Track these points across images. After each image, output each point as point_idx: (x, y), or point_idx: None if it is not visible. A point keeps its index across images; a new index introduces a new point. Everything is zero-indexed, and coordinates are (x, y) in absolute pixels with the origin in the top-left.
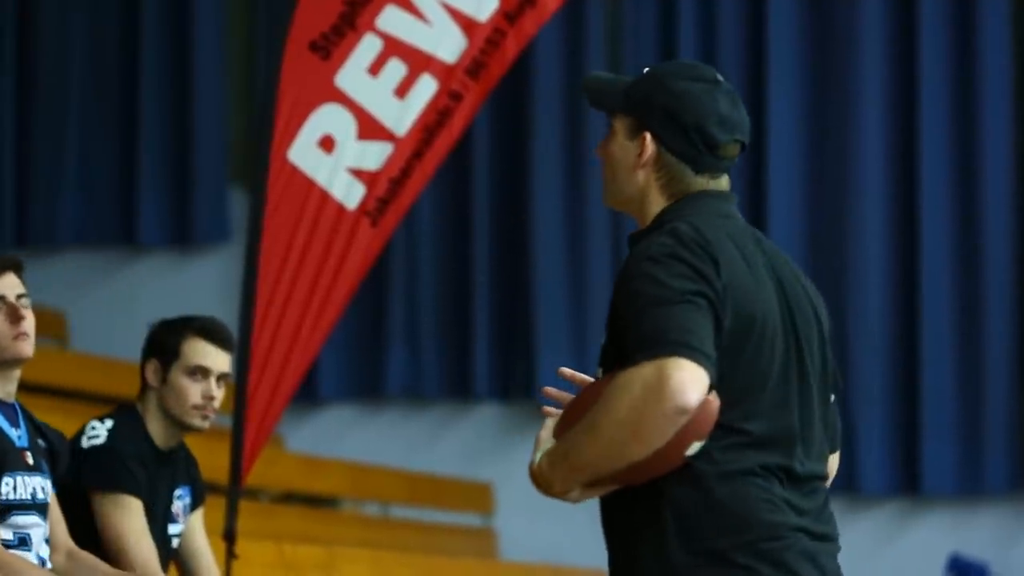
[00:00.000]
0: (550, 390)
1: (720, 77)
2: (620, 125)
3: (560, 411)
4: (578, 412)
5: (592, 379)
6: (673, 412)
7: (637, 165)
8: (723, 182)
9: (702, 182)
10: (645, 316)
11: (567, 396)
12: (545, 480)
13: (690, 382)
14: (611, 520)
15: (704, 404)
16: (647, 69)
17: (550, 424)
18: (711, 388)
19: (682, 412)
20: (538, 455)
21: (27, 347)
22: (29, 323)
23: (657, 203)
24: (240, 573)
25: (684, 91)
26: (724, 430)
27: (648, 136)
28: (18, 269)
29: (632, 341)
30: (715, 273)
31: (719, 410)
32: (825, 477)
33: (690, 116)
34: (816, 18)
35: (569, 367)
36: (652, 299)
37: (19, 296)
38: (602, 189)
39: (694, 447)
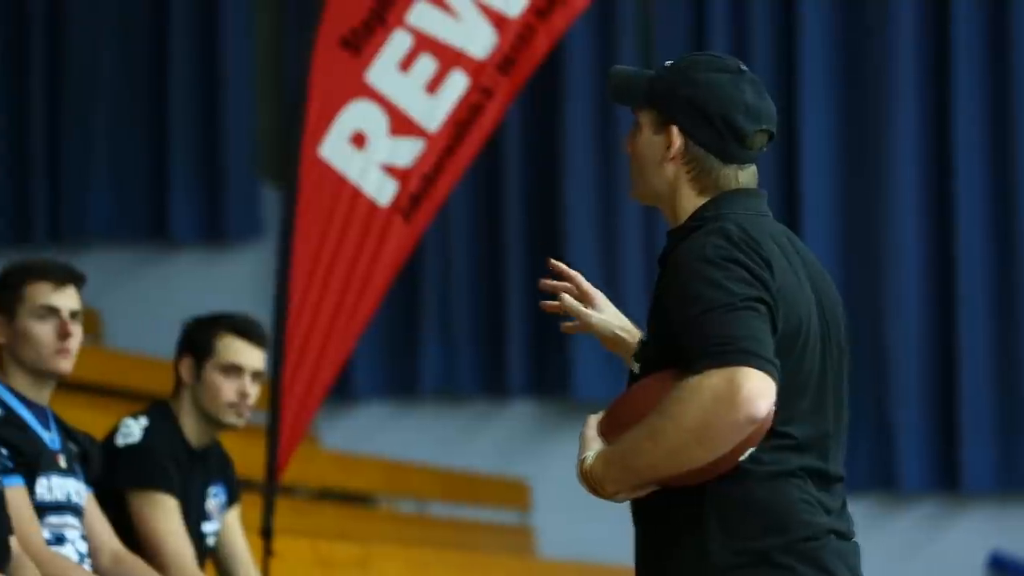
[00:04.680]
0: (548, 281)
1: (744, 67)
2: (645, 119)
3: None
4: (629, 412)
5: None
6: (744, 422)
7: (665, 159)
8: (751, 173)
9: (731, 173)
10: (707, 322)
11: (564, 286)
12: (597, 480)
13: (761, 393)
14: (648, 519)
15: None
16: (670, 62)
17: (593, 422)
18: None
19: (752, 422)
20: (589, 455)
21: (67, 364)
22: (75, 341)
23: (688, 197)
24: (276, 570)
25: (709, 82)
26: (770, 433)
27: (675, 129)
28: (79, 284)
29: (695, 345)
30: (770, 277)
31: None
32: (844, 477)
33: (716, 107)
34: (848, 13)
35: (602, 362)
36: (713, 304)
37: (72, 313)
38: (630, 184)
39: (747, 453)
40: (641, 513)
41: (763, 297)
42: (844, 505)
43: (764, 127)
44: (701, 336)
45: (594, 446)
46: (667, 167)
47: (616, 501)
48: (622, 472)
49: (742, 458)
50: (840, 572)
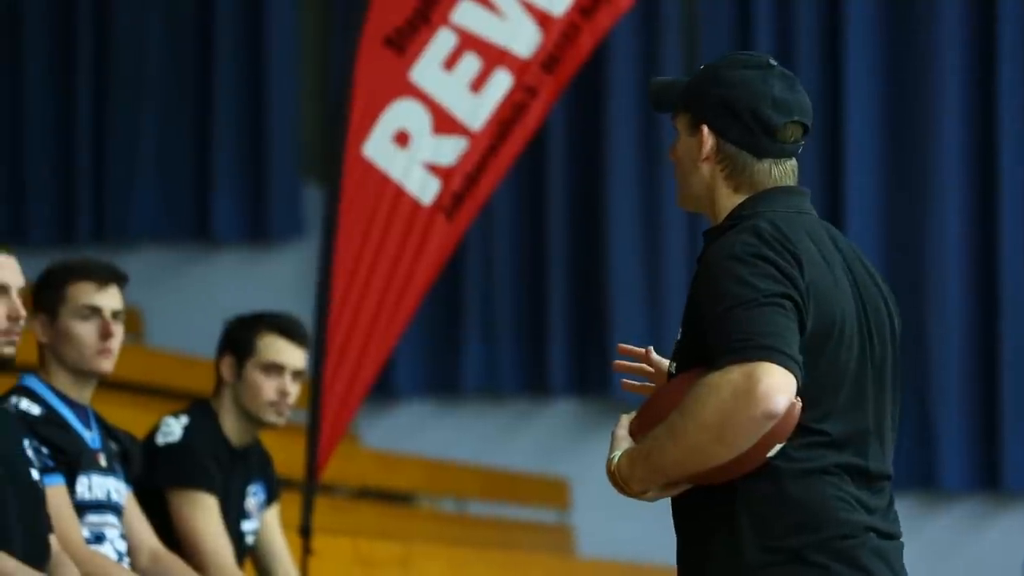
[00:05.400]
0: (622, 363)
1: (774, 62)
2: (681, 123)
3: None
4: (657, 411)
5: (659, 359)
6: (762, 417)
7: (699, 159)
8: (789, 169)
9: (765, 168)
10: (732, 317)
11: (639, 368)
12: (623, 479)
13: (779, 387)
14: (684, 517)
15: (788, 407)
16: (703, 65)
17: (625, 422)
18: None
19: (771, 417)
20: (616, 454)
21: (108, 364)
22: (116, 341)
23: (726, 196)
24: (316, 569)
25: (736, 79)
26: (802, 430)
27: (706, 129)
28: (122, 283)
29: (718, 342)
30: (799, 273)
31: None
32: (891, 476)
33: (743, 102)
34: (893, 10)
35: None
36: (739, 300)
37: (114, 313)
38: (676, 193)
39: (775, 449)
40: (677, 511)
41: (790, 294)
42: (890, 504)
43: (796, 119)
44: (724, 332)
45: (623, 445)
46: (703, 168)
47: (646, 500)
48: (647, 471)
49: (770, 454)
50: (878, 571)
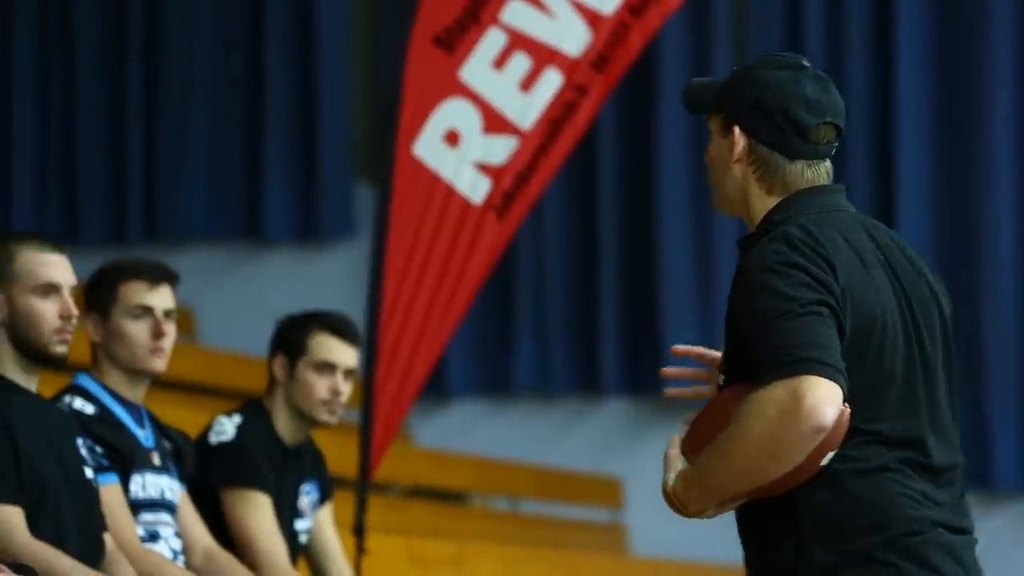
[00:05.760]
0: (670, 371)
1: (807, 63)
2: (714, 125)
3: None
4: (707, 428)
5: (713, 354)
6: (811, 431)
7: (731, 160)
8: (823, 170)
9: (797, 170)
10: (770, 331)
11: (689, 372)
12: (680, 502)
13: (825, 400)
14: (747, 527)
15: (837, 416)
16: (735, 68)
17: (677, 441)
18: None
19: (820, 431)
20: (671, 476)
21: (161, 363)
22: (169, 340)
23: (759, 198)
24: (369, 568)
25: (768, 80)
26: (854, 431)
27: (737, 130)
28: (174, 283)
29: (760, 358)
30: (833, 278)
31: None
32: (959, 465)
33: (775, 103)
34: (945, 12)
35: (696, 361)
36: (775, 312)
37: (167, 312)
38: (712, 197)
39: (828, 457)
40: (741, 521)
41: (826, 300)
42: (960, 497)
43: (828, 120)
44: (764, 347)
45: (676, 466)
46: (735, 169)
47: (705, 518)
48: (701, 492)
49: (823, 462)
50: (946, 567)
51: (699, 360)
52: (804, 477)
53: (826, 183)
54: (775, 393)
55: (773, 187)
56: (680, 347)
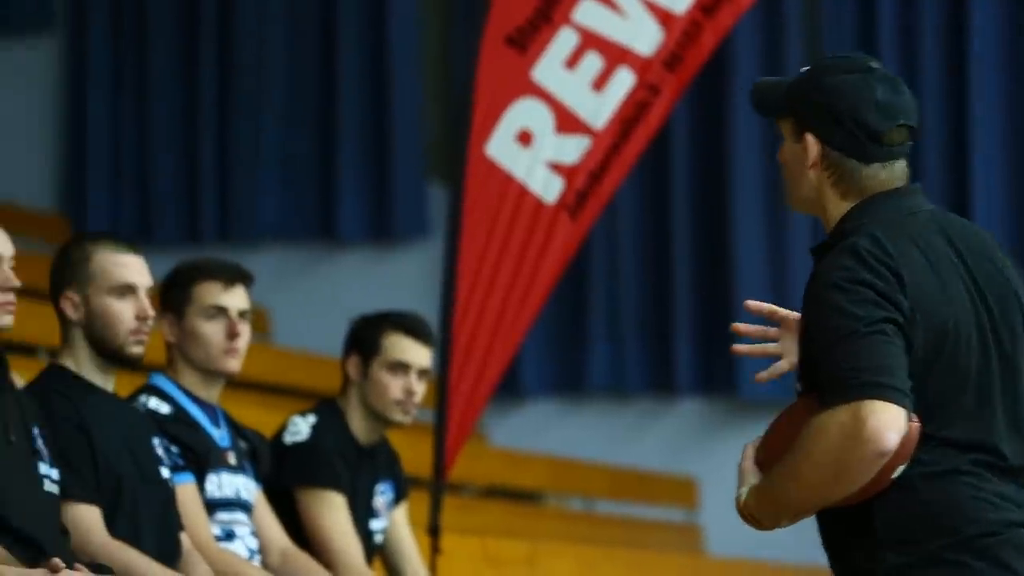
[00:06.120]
0: (740, 327)
1: (876, 64)
2: (785, 129)
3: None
4: (782, 438)
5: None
6: (873, 456)
7: (806, 167)
8: (899, 171)
9: (873, 173)
10: (835, 352)
11: (759, 330)
12: (753, 517)
13: (888, 425)
14: (825, 530)
15: (907, 432)
16: (804, 68)
17: (751, 453)
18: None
19: (882, 455)
20: (744, 491)
21: (235, 364)
22: (243, 340)
23: (834, 203)
24: (444, 568)
25: (837, 85)
26: (926, 438)
27: (810, 136)
28: (248, 283)
29: (825, 378)
30: (901, 292)
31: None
32: None
33: (846, 109)
34: (1019, 11)
35: (770, 362)
36: (841, 332)
37: (241, 313)
38: (785, 194)
39: (899, 470)
40: (820, 524)
41: (892, 317)
42: None
43: (901, 122)
44: (830, 367)
45: (749, 480)
46: (810, 174)
47: (780, 527)
48: (774, 509)
49: (895, 475)
50: (1019, 566)
51: (771, 319)
52: (876, 491)
53: (902, 184)
54: (838, 418)
55: (848, 191)
56: (753, 303)
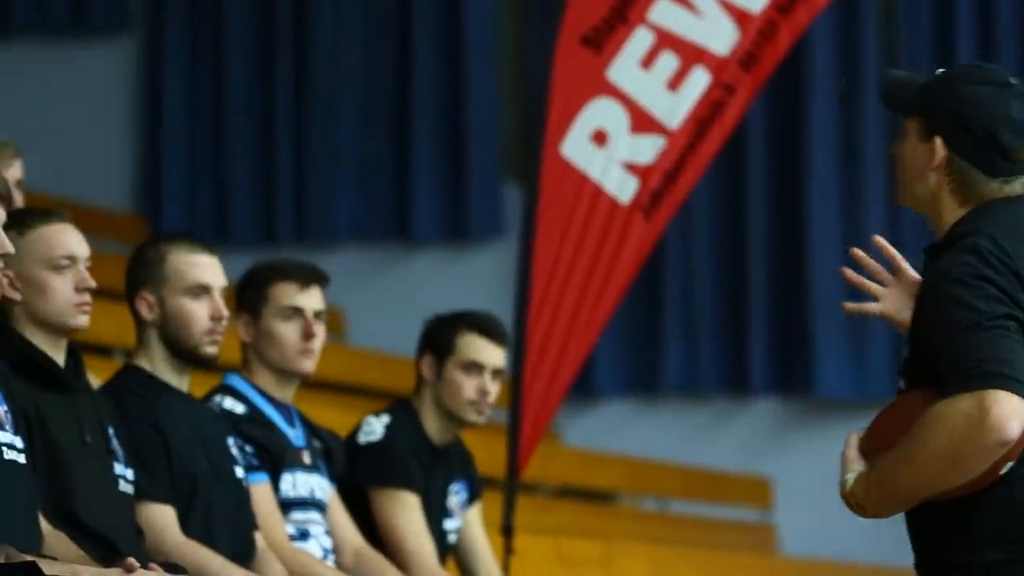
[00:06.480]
0: (858, 252)
1: (1014, 80)
2: (912, 127)
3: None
4: (888, 430)
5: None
6: (995, 445)
7: (928, 168)
8: (1018, 186)
9: (995, 187)
10: (957, 343)
11: (875, 266)
12: (859, 504)
13: (1011, 414)
14: (920, 524)
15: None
16: (940, 71)
17: (854, 442)
18: None
19: (1004, 444)
20: (850, 477)
21: (310, 364)
22: (318, 341)
23: (950, 209)
24: (518, 568)
25: (974, 96)
26: None
27: (939, 141)
28: (324, 284)
29: (947, 370)
30: (1021, 291)
31: None
32: None
33: (980, 122)
34: None
35: (846, 361)
36: (963, 325)
37: (316, 313)
38: (895, 187)
39: (1008, 467)
40: (912, 519)
41: (1013, 314)
42: None
43: None
44: (952, 359)
45: (854, 468)
46: (930, 176)
47: (882, 517)
48: (881, 496)
49: (1003, 471)
50: None
51: (891, 263)
52: (984, 485)
53: (1020, 193)
54: (961, 405)
55: (967, 200)
56: (880, 239)
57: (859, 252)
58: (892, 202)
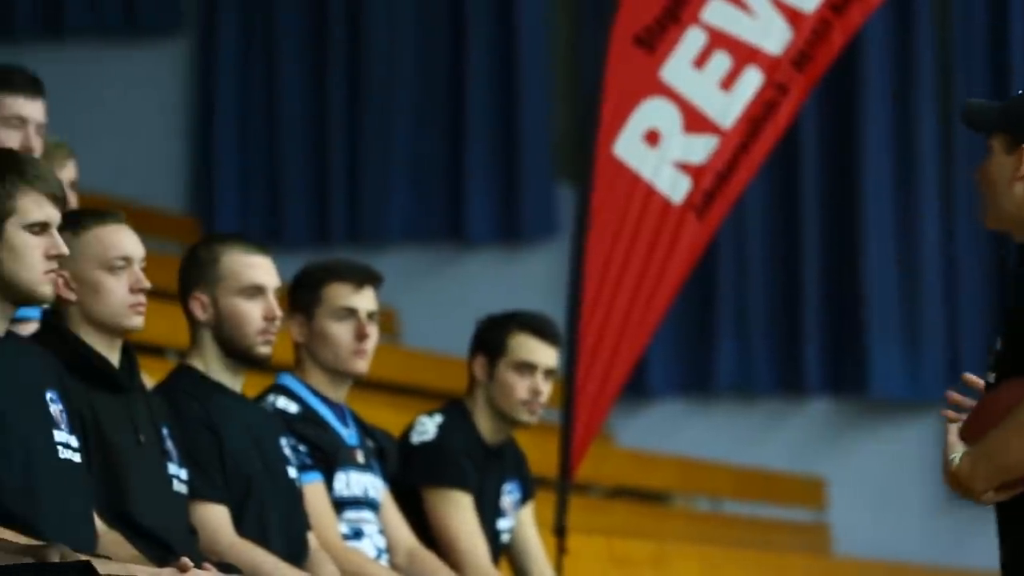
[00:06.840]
0: (955, 395)
1: None
2: (998, 143)
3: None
4: (989, 415)
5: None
6: None
7: (1014, 178)
8: None
9: None
10: None
11: (969, 402)
12: (966, 480)
13: None
14: (1010, 522)
15: None
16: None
17: (955, 428)
18: None
19: None
20: (955, 458)
21: (363, 365)
22: (372, 342)
23: None
24: (570, 568)
25: None
26: None
27: None
28: (377, 285)
29: None
30: None
31: None
32: None
33: None
34: None
35: (900, 361)
36: None
37: (370, 314)
38: (981, 210)
39: None
40: (1003, 518)
41: None
42: None
43: None
44: None
45: (958, 449)
46: (1017, 186)
47: (985, 503)
48: (989, 469)
49: None
50: None
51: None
52: None
53: None
54: None
55: None
56: (971, 377)
57: (957, 396)
58: (979, 224)
